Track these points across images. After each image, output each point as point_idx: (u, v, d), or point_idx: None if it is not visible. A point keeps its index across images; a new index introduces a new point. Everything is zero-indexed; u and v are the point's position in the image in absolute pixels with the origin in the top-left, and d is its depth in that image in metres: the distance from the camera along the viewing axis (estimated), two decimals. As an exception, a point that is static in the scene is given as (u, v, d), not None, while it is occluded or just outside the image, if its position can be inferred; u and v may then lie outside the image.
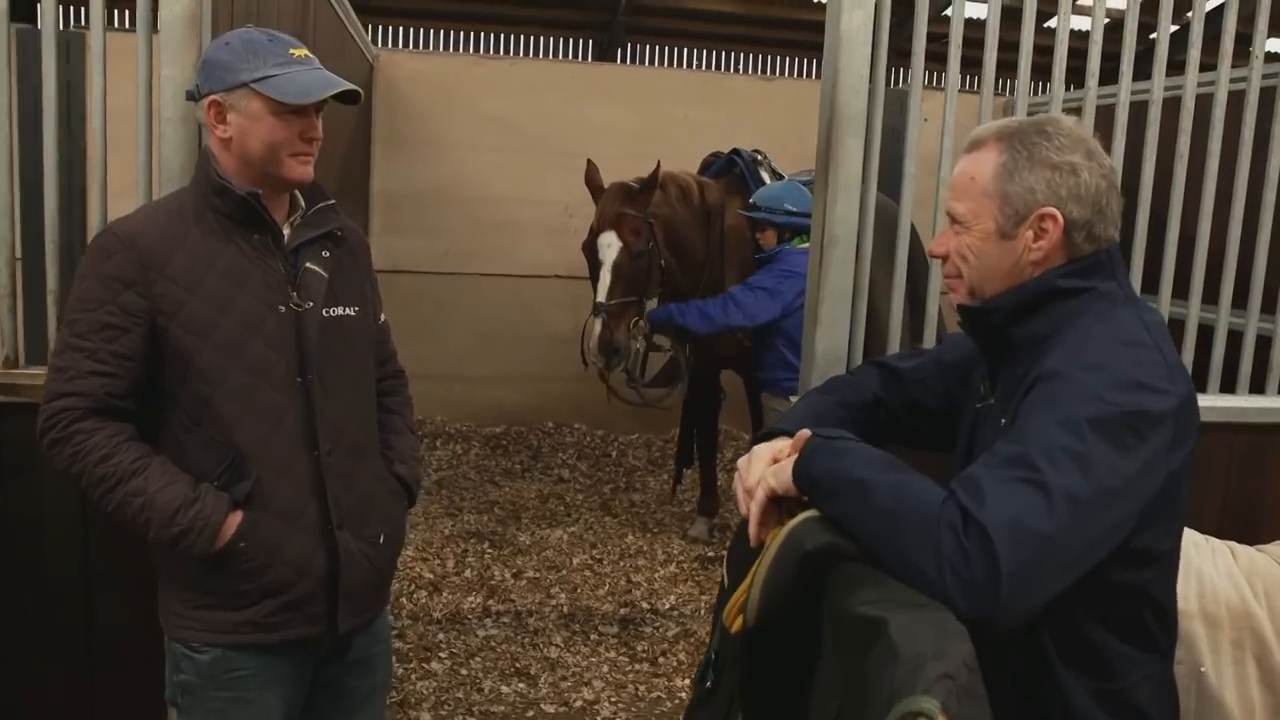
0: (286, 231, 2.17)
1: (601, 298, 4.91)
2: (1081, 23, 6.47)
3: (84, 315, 2.00)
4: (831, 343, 2.75)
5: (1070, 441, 1.50)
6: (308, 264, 2.15)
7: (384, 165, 6.98)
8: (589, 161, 5.18)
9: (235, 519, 2.04)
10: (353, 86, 2.11)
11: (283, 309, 2.09)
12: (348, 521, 2.17)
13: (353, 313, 2.24)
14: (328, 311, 2.16)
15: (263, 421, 2.06)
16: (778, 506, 1.70)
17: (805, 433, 1.74)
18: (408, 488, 2.39)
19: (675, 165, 5.37)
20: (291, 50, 2.09)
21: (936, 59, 2.96)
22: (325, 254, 2.19)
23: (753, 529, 1.69)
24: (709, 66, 11.86)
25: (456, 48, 10.81)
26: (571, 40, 11.98)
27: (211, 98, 2.05)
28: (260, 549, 2.07)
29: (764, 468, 1.75)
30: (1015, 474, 1.47)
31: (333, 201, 2.27)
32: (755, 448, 1.82)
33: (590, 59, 11.43)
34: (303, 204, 2.23)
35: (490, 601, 4.87)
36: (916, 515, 1.46)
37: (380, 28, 9.89)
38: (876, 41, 2.70)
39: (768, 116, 7.03)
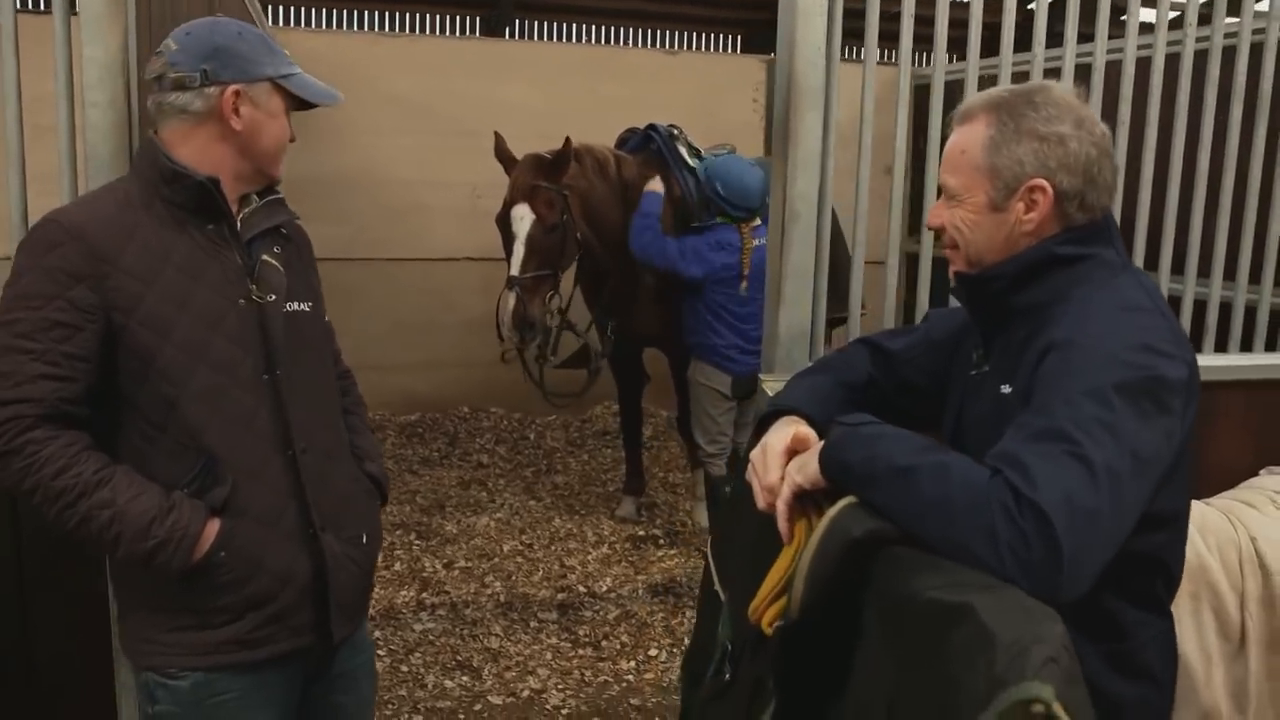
0: (238, 222, 2.05)
1: (515, 271, 4.81)
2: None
3: (28, 314, 1.81)
4: (794, 319, 2.71)
5: (1100, 411, 1.49)
6: (264, 257, 2.03)
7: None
8: (497, 134, 5.06)
9: (213, 527, 1.90)
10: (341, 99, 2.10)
11: (242, 302, 1.96)
12: (329, 524, 2.06)
13: (307, 308, 2.13)
14: (288, 306, 2.05)
15: (233, 422, 1.93)
16: (802, 500, 1.65)
17: (806, 430, 1.73)
18: (380, 486, 2.30)
19: (587, 141, 5.26)
20: (286, 51, 2.06)
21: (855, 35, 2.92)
22: (276, 249, 2.07)
23: (783, 525, 1.64)
24: (605, 43, 11.74)
25: (348, 26, 10.47)
26: (459, 18, 11.73)
27: (234, 86, 1.94)
28: (240, 558, 1.94)
29: (781, 461, 1.70)
30: (1057, 448, 1.45)
31: (281, 196, 2.15)
32: (767, 440, 1.76)
33: (479, 37, 11.22)
34: (254, 196, 2.09)
35: (424, 594, 4.74)
36: (965, 497, 1.42)
37: (275, 8, 9.51)
38: (832, 13, 2.64)
39: (673, 91, 6.97)
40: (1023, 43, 3.00)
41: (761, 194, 4.83)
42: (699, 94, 7.00)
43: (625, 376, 5.75)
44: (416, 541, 5.31)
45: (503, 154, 5.06)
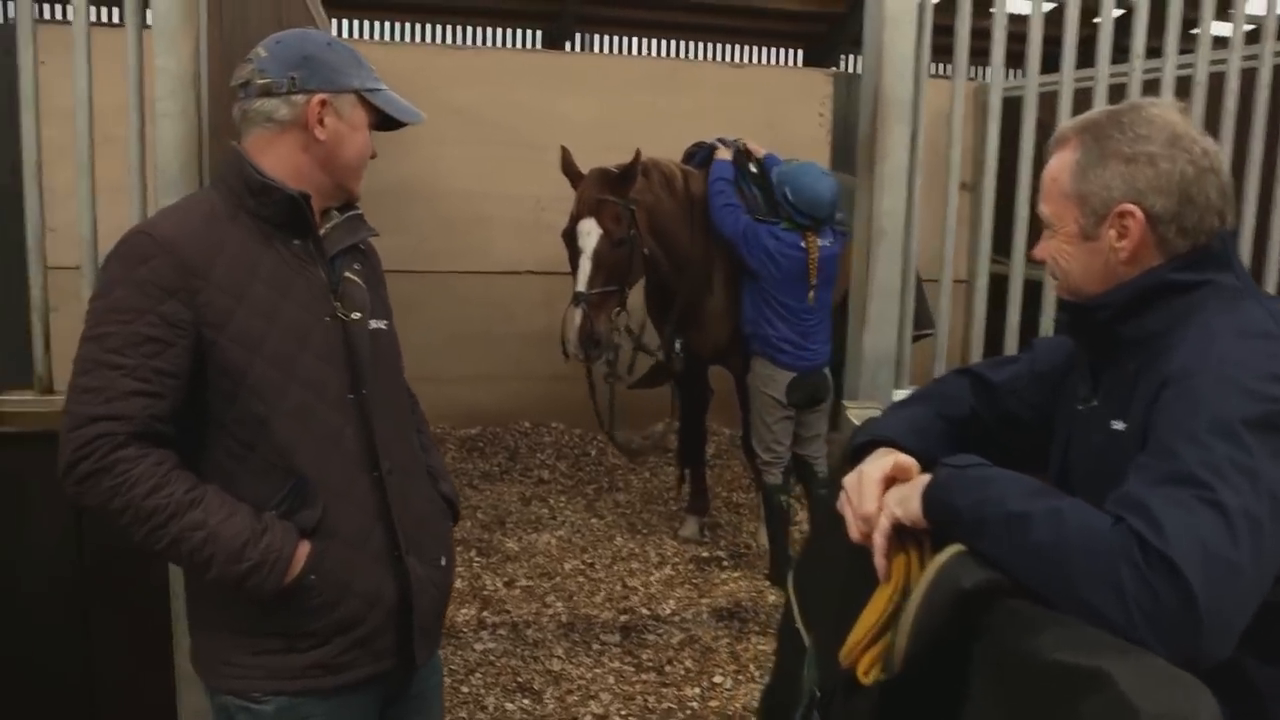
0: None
1: (582, 287, 4.73)
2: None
3: (119, 328, 1.77)
4: (880, 342, 2.60)
5: (1232, 450, 1.36)
6: (346, 274, 1.99)
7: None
8: (563, 149, 4.99)
9: (304, 549, 1.86)
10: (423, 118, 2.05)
11: (327, 320, 1.93)
12: (412, 546, 2.01)
13: (384, 326, 2.10)
14: (371, 324, 2.02)
15: (322, 442, 1.89)
16: (900, 534, 1.54)
17: (907, 458, 1.62)
18: (452, 506, 2.26)
19: (654, 156, 5.19)
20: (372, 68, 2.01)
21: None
22: (356, 266, 2.04)
23: (879, 561, 1.53)
24: (669, 56, 11.69)
25: (412, 39, 10.52)
26: (521, 31, 11.75)
27: (321, 95, 1.90)
28: (330, 581, 1.89)
29: (878, 491, 1.59)
30: (1185, 493, 1.33)
31: (361, 212, 2.11)
32: (863, 467, 1.65)
33: (541, 50, 11.22)
34: (335, 212, 2.05)
35: (485, 613, 4.66)
36: (1085, 547, 1.30)
37: (342, 21, 9.59)
38: (922, 21, 2.52)
39: (738, 105, 6.89)
40: (1117, 56, 2.87)
41: (831, 204, 4.73)
42: (764, 108, 6.91)
43: (689, 393, 5.64)
44: (477, 558, 5.25)
45: (569, 168, 4.99)
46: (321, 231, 1.99)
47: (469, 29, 11.27)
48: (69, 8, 2.41)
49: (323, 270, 1.94)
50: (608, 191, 4.78)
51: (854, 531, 1.61)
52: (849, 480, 1.66)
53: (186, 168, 2.28)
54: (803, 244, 4.77)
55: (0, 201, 2.77)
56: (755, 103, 6.92)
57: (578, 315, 4.70)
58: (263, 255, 1.88)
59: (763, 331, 4.85)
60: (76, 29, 2.36)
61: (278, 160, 1.91)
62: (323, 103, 1.89)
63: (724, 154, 5.07)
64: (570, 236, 4.83)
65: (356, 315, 1.95)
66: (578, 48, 11.66)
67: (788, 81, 7.44)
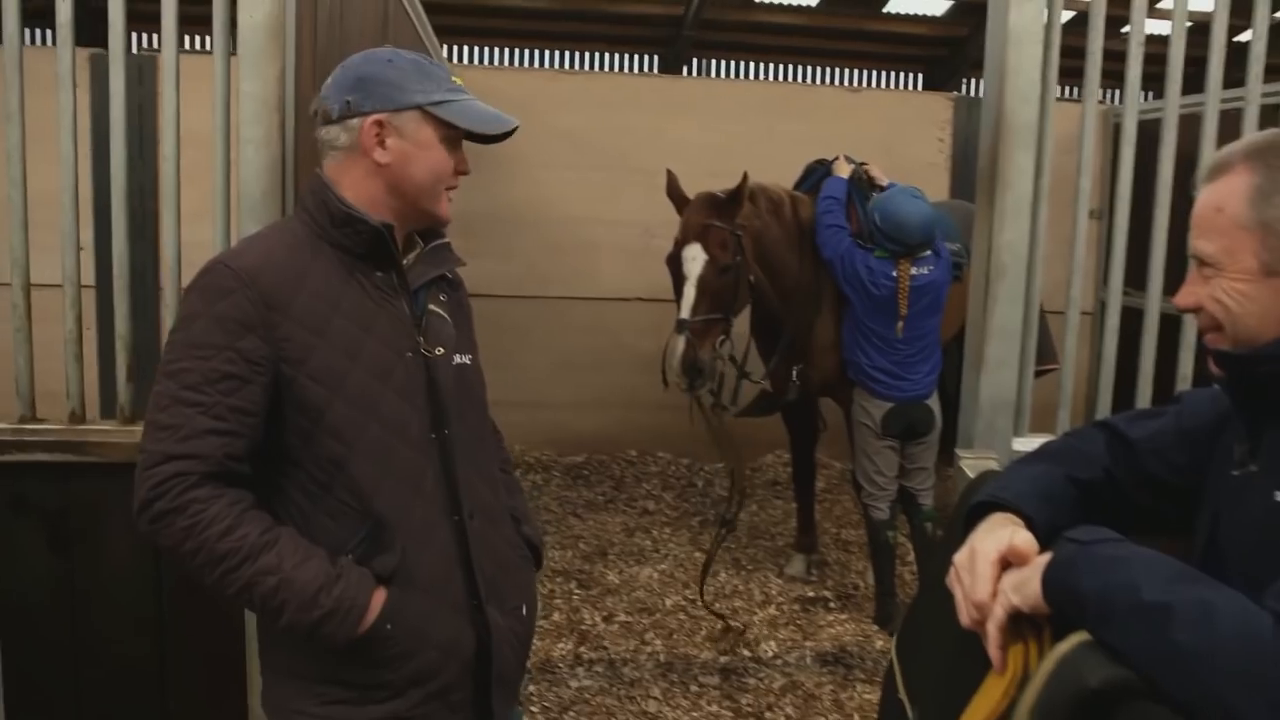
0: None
1: (685, 314, 4.56)
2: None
3: (197, 364, 1.72)
4: (998, 386, 2.39)
5: None
6: (430, 307, 1.92)
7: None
8: (669, 172, 4.86)
9: (380, 597, 1.78)
10: (518, 123, 1.90)
11: (410, 355, 1.85)
12: (493, 595, 1.92)
13: (469, 361, 2.00)
14: (455, 359, 1.93)
15: (402, 484, 1.82)
16: (1017, 621, 1.34)
17: (1025, 537, 1.40)
18: (536, 551, 2.14)
19: (762, 181, 5.02)
20: (454, 78, 1.88)
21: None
22: (442, 297, 1.96)
23: (994, 653, 1.34)
24: (784, 80, 11.53)
25: (527, 64, 10.57)
26: (638, 57, 11.71)
27: (375, 117, 1.80)
28: (406, 631, 1.80)
29: (992, 571, 1.39)
30: None
31: (447, 240, 2.02)
32: (975, 544, 1.45)
33: (656, 74, 11.16)
34: (419, 240, 1.97)
35: (582, 649, 4.53)
36: (1237, 650, 1.10)
37: (453, 47, 9.68)
38: (1049, 40, 2.31)
39: (854, 129, 6.66)
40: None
41: (920, 231, 4.55)
42: (881, 133, 6.69)
43: (798, 425, 5.45)
44: (577, 591, 5.13)
45: (674, 192, 4.85)
46: (406, 261, 1.91)
47: (584, 55, 11.28)
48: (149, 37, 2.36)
49: (406, 303, 1.87)
50: (714, 216, 4.63)
51: (964, 617, 1.41)
52: (960, 558, 1.46)
53: (269, 194, 2.22)
54: (894, 273, 4.57)
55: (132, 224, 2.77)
56: (872, 127, 6.71)
57: (680, 343, 4.54)
58: (345, 288, 1.81)
59: (857, 359, 4.71)
60: (166, 56, 2.32)
61: (353, 188, 1.84)
62: (379, 124, 1.80)
63: (842, 169, 4.92)
64: (674, 262, 4.68)
65: (440, 351, 1.88)
66: (694, 73, 11.57)
67: (906, 105, 7.21)
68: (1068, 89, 10.47)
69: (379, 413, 1.79)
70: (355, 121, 1.80)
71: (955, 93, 7.33)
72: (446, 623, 1.85)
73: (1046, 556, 1.36)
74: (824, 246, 4.73)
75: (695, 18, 9.97)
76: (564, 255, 6.85)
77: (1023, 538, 1.42)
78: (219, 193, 2.34)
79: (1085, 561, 1.28)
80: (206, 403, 1.70)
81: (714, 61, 11.80)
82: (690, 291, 4.56)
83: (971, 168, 6.80)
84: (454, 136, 1.84)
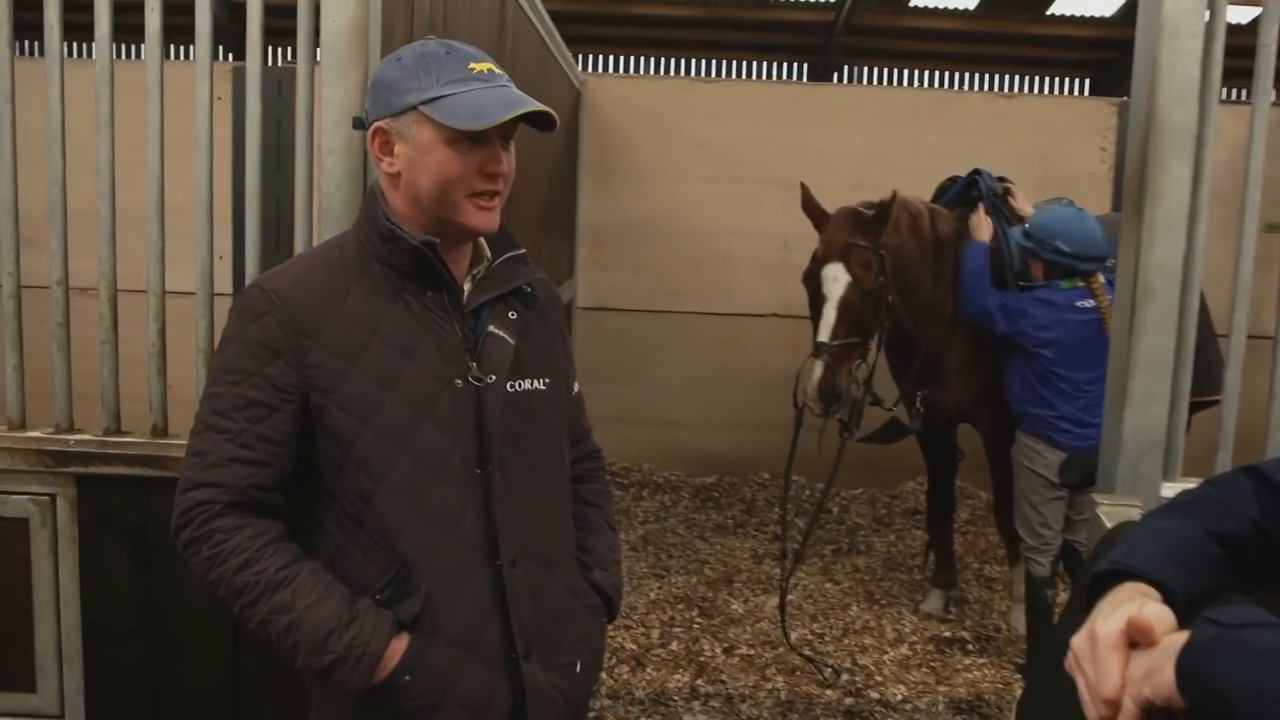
0: (467, 287, 1.81)
1: (824, 337, 4.35)
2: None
3: (227, 389, 1.70)
4: (1145, 424, 2.12)
5: None
6: (491, 327, 1.79)
7: (591, 196, 6.72)
8: (803, 185, 4.66)
9: (399, 645, 1.68)
10: (542, 107, 1.69)
11: (459, 383, 1.74)
12: (535, 648, 1.78)
13: (543, 386, 1.86)
14: (513, 386, 1.79)
15: (434, 524, 1.71)
16: (1151, 714, 1.12)
17: (1154, 614, 1.15)
18: (608, 600, 1.97)
19: (908, 194, 4.78)
20: (471, 65, 1.70)
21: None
22: (512, 315, 1.82)
23: None
24: (934, 87, 11.15)
25: (664, 73, 10.48)
26: (785, 64, 11.51)
27: (376, 124, 1.71)
28: (429, 684, 1.69)
29: (1118, 661, 1.16)
30: None
31: (522, 251, 1.89)
32: (1096, 626, 1.22)
33: (800, 82, 10.95)
34: (487, 253, 1.85)
35: (699, 681, 4.37)
36: None
37: (591, 57, 9.67)
38: (1211, 32, 2.05)
39: (1007, 138, 6.39)
40: None
41: (1107, 237, 4.20)
42: (1037, 142, 6.39)
43: (934, 453, 5.18)
44: (698, 620, 4.96)
45: (810, 206, 4.65)
46: (473, 275, 1.81)
47: (729, 64, 11.14)
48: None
49: (458, 326, 1.76)
50: (858, 234, 4.41)
51: (1091, 714, 1.19)
52: (1079, 643, 1.23)
53: (349, 205, 2.16)
54: (1088, 300, 4.23)
55: (266, 233, 2.79)
56: (1027, 136, 6.41)
57: (818, 368, 4.33)
58: (388, 310, 1.72)
59: (1036, 411, 4.31)
60: (250, 67, 2.28)
61: (392, 201, 1.75)
62: (379, 131, 1.71)
63: (982, 230, 4.55)
64: (812, 280, 4.47)
65: (491, 378, 1.75)
66: (845, 80, 11.30)
67: (1065, 112, 6.83)
68: (1232, 91, 9.77)
69: (413, 446, 1.70)
70: (368, 132, 1.73)
71: (1121, 98, 6.90)
72: (477, 678, 1.73)
73: (1182, 637, 1.13)
74: (969, 307, 4.43)
75: (847, 23, 9.74)
76: (697, 269, 6.76)
77: (1152, 611, 1.18)
78: (301, 204, 2.30)
79: (1230, 650, 1.05)
80: (233, 430, 1.67)
81: (865, 69, 11.51)
82: (830, 313, 4.35)
83: (1138, 178, 6.41)
84: (459, 135, 1.68)
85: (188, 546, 1.68)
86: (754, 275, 6.69)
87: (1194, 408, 4.16)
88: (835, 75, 11.46)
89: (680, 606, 5.07)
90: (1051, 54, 10.43)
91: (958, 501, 5.55)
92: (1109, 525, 2.06)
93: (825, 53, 11.07)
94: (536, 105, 1.68)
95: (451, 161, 1.67)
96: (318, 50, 2.21)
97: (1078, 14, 9.44)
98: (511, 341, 1.79)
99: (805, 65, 11.82)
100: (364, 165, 2.17)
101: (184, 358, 2.51)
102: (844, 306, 4.33)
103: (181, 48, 8.52)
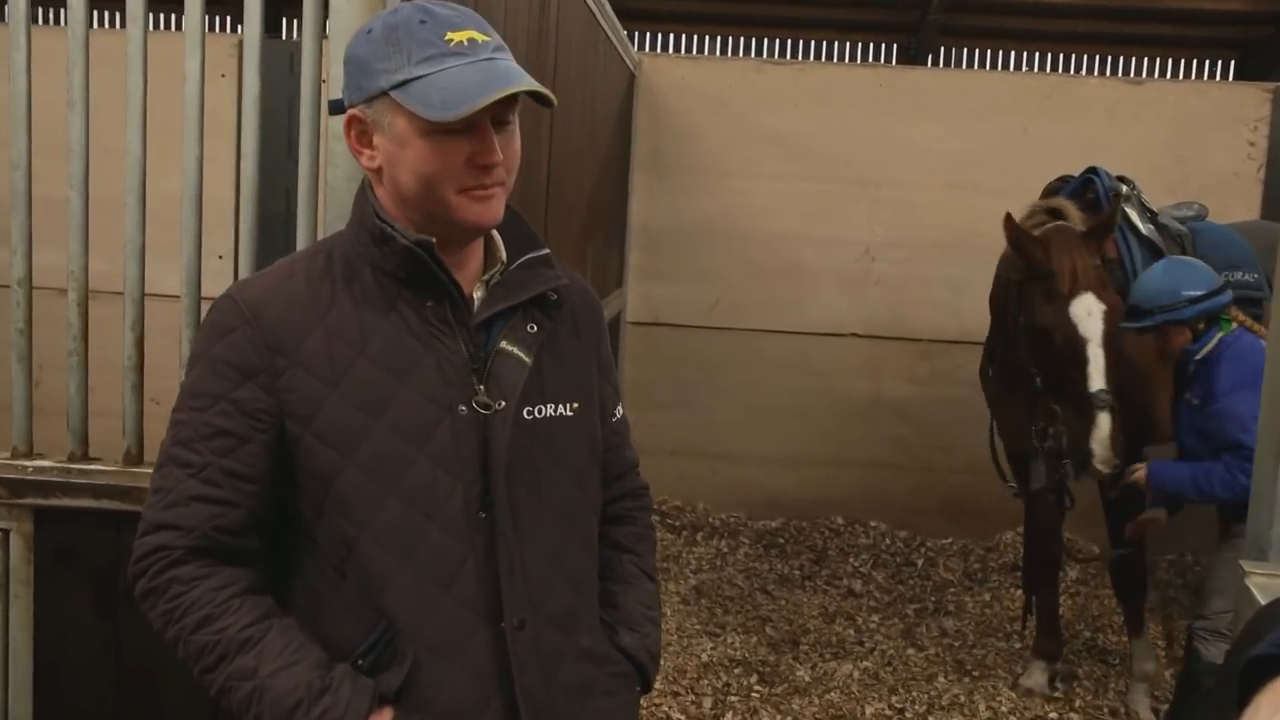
0: (478, 295, 1.75)
1: (1101, 383, 4.18)
2: None
3: (191, 415, 1.67)
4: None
5: None
6: (503, 344, 1.74)
7: (644, 194, 6.73)
8: (1009, 218, 4.38)
9: None
10: (532, 85, 1.62)
11: (462, 410, 1.69)
12: None
13: (569, 412, 1.80)
14: (529, 412, 1.74)
15: (426, 578, 1.67)
16: None
17: None
18: (640, 668, 1.91)
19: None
20: (449, 35, 1.62)
21: None
22: (531, 328, 1.77)
23: None
24: (1046, 70, 10.98)
25: (729, 53, 10.42)
26: (872, 45, 11.41)
27: (351, 112, 1.68)
28: None
29: None
30: None
31: (545, 251, 1.83)
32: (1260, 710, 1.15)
33: (889, 65, 10.85)
34: (503, 255, 1.79)
35: (757, 761, 4.28)
36: None
37: (645, 35, 9.65)
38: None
39: (1134, 131, 6.35)
40: None
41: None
42: (1169, 135, 6.35)
43: (1039, 499, 4.99)
44: (758, 687, 4.89)
45: (1021, 235, 4.40)
46: (485, 281, 1.76)
47: (805, 44, 11.05)
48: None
49: (464, 342, 1.71)
50: (1094, 255, 4.31)
51: None
52: None
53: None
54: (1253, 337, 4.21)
55: (270, 227, 2.78)
56: (1158, 128, 6.37)
57: (1108, 421, 4.16)
58: (379, 324, 1.68)
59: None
60: (249, 35, 2.26)
61: (382, 198, 1.72)
62: (354, 120, 1.67)
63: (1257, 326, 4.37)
64: (1062, 319, 4.27)
65: (500, 404, 1.69)
66: (940, 64, 11.18)
67: (1205, 100, 6.72)
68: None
69: (402, 484, 1.65)
70: (344, 117, 1.69)
71: (1276, 83, 6.75)
72: None
73: None
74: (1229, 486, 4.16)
75: (943, -1, 9.64)
76: (765, 280, 6.74)
77: None
78: (305, 197, 2.28)
79: None
80: (197, 463, 1.64)
81: (964, 51, 11.37)
82: (1099, 355, 4.21)
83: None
84: (434, 125, 1.61)
85: (144, 598, 1.65)
86: (831, 288, 6.68)
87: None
88: (929, 58, 11.33)
89: (737, 671, 5.00)
90: (1190, 32, 10.22)
91: (1065, 557, 5.42)
92: (1261, 600, 1.96)
93: (918, 32, 10.94)
94: (525, 84, 1.61)
95: (432, 156, 1.62)
96: (326, 23, 2.20)
97: (1222, -16, 9.26)
98: (528, 360, 1.74)
99: (895, 46, 11.70)
100: (373, 152, 2.14)
101: (167, 369, 2.49)
102: (1108, 344, 4.22)
103: (170, 15, 8.62)
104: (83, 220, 2.31)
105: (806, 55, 11.14)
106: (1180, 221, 5.05)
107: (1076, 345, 4.20)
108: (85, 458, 2.36)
